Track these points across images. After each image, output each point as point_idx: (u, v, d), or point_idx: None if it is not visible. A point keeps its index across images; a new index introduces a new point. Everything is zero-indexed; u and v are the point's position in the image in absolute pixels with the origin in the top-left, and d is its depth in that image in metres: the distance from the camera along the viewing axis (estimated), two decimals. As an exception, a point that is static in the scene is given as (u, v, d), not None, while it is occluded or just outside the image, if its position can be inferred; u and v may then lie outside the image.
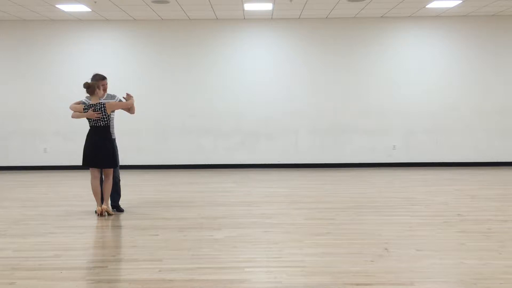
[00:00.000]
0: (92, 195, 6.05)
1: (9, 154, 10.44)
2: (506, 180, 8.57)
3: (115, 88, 10.32)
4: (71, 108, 5.94)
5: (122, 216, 5.93)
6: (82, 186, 8.31)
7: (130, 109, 6.29)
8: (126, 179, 9.04)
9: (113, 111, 6.01)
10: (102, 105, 5.80)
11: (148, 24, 10.25)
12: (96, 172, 5.97)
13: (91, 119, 5.82)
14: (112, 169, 5.94)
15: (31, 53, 10.27)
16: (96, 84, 5.83)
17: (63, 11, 9.25)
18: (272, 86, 10.35)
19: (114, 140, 6.12)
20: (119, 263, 4.09)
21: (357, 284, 3.55)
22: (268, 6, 9.06)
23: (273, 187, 8.09)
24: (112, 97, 6.24)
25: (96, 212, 5.94)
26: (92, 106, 5.79)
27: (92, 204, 6.67)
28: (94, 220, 5.69)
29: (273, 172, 9.79)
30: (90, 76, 5.65)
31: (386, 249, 4.43)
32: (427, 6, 9.17)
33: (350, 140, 10.40)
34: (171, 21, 10.23)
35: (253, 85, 10.31)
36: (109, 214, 5.91)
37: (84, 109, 5.80)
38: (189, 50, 10.27)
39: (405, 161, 10.40)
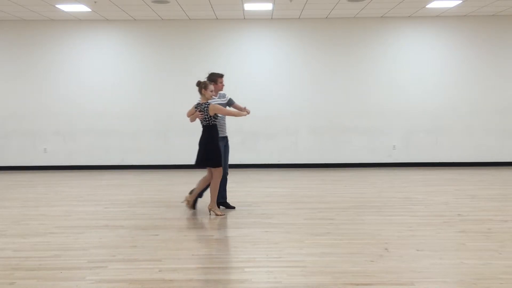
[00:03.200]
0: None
1: (9, 154, 10.44)
2: (506, 180, 8.57)
3: (116, 88, 10.38)
4: (188, 114, 5.97)
5: (122, 216, 5.93)
6: (82, 186, 8.32)
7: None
8: (126, 179, 9.06)
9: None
10: (206, 106, 5.77)
11: (148, 24, 10.25)
12: (209, 172, 5.92)
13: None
14: (217, 169, 5.84)
15: (31, 53, 10.27)
16: (203, 84, 5.81)
17: (63, 11, 9.26)
18: (272, 86, 10.35)
19: (224, 138, 6.14)
20: (119, 263, 4.09)
21: (357, 284, 3.55)
22: (268, 6, 9.07)
23: (273, 187, 8.09)
24: (223, 96, 6.20)
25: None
26: (199, 106, 5.81)
27: (90, 204, 6.69)
28: (94, 220, 5.69)
29: (273, 172, 9.79)
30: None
31: (386, 249, 4.43)
32: (427, 6, 9.17)
33: (350, 140, 10.40)
34: (171, 21, 10.23)
35: (253, 85, 10.31)
36: (216, 215, 5.83)
37: (195, 107, 5.85)
38: (189, 50, 10.27)
39: (405, 161, 10.40)
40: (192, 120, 5.98)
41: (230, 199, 6.95)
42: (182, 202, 6.16)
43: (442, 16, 10.10)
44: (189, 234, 5.01)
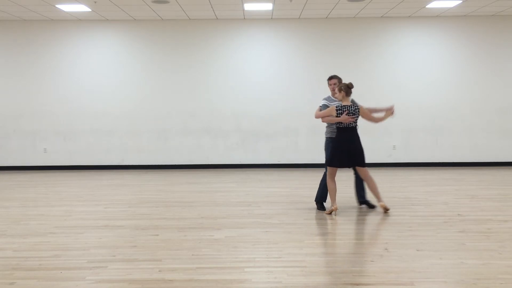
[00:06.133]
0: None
1: (9, 154, 10.44)
2: (506, 180, 8.57)
3: (116, 88, 10.38)
4: (319, 115, 5.88)
5: (122, 216, 5.93)
6: (82, 186, 8.32)
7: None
8: (126, 179, 9.06)
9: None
10: (357, 108, 5.70)
11: (148, 24, 10.25)
12: (336, 172, 5.89)
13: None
14: (365, 168, 5.91)
15: (31, 53, 10.27)
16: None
17: (63, 11, 9.26)
18: (272, 86, 10.35)
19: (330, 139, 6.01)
20: (119, 263, 4.09)
21: (357, 284, 3.55)
22: (268, 6, 9.07)
23: (273, 187, 8.09)
24: (333, 99, 6.08)
25: (330, 211, 5.85)
26: (346, 109, 5.67)
27: (90, 204, 6.69)
28: (94, 220, 5.69)
29: (273, 172, 9.79)
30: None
31: (386, 249, 4.43)
32: (427, 6, 9.17)
33: (350, 140, 10.38)
34: (171, 21, 10.23)
35: (253, 85, 10.31)
36: (386, 210, 5.83)
37: (337, 110, 5.67)
38: (189, 50, 10.28)
39: (405, 161, 10.40)
40: (328, 121, 5.84)
41: (231, 199, 6.96)
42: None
43: (442, 16, 10.10)
44: (189, 234, 5.01)
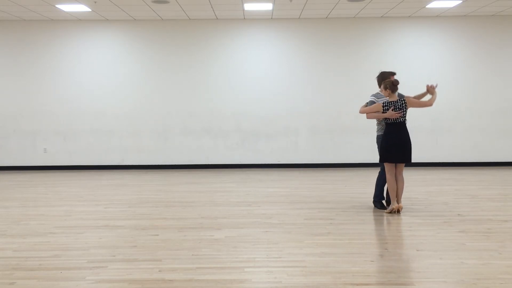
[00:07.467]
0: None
1: (9, 154, 10.44)
2: (506, 180, 8.57)
3: (116, 88, 10.38)
4: (364, 111, 5.87)
5: (122, 216, 5.93)
6: (82, 186, 8.32)
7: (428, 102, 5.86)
8: (126, 179, 9.06)
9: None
10: (403, 102, 5.68)
11: (148, 24, 10.25)
12: (393, 168, 5.80)
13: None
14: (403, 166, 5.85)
15: (31, 53, 10.27)
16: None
17: (63, 11, 9.26)
18: (272, 86, 10.35)
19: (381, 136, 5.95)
20: (119, 263, 4.09)
21: (357, 284, 3.55)
22: (268, 6, 9.07)
23: (273, 187, 8.09)
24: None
25: (391, 210, 5.81)
26: (392, 104, 5.67)
27: (90, 204, 6.69)
28: (94, 220, 5.69)
29: (273, 172, 9.79)
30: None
31: (386, 249, 4.42)
32: (427, 6, 9.18)
33: (350, 140, 10.40)
34: (171, 21, 10.23)
35: (253, 85, 10.32)
36: (398, 212, 5.80)
37: (383, 106, 5.69)
38: (189, 50, 10.28)
39: (405, 161, 10.37)
40: (373, 117, 5.82)
41: (231, 199, 6.96)
42: (395, 212, 5.84)
43: (442, 16, 10.10)
44: (189, 234, 5.01)
